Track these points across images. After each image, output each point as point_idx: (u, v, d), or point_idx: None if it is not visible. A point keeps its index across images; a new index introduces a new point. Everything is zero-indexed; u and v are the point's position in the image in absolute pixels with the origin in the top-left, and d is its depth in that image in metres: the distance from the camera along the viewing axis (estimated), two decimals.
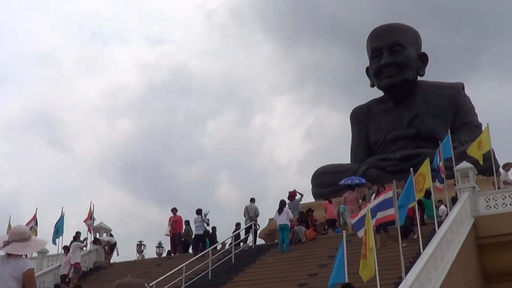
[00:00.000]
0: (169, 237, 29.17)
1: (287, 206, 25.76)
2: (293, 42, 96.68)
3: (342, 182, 29.90)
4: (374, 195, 23.83)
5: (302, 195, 28.52)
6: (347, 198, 26.55)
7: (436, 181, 23.06)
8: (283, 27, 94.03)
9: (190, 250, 27.86)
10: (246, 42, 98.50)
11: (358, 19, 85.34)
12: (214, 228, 28.88)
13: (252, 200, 28.83)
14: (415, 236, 19.47)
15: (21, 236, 6.37)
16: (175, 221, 28.90)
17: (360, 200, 26.39)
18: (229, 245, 26.61)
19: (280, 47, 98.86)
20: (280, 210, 24.80)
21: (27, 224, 27.83)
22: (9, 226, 28.34)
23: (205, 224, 27.82)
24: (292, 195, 27.77)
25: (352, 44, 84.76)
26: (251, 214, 28.06)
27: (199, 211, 28.00)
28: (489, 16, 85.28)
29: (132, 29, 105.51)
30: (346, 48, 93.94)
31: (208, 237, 27.74)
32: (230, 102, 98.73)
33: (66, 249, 26.65)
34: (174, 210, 29.29)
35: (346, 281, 13.98)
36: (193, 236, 28.14)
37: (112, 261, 28.90)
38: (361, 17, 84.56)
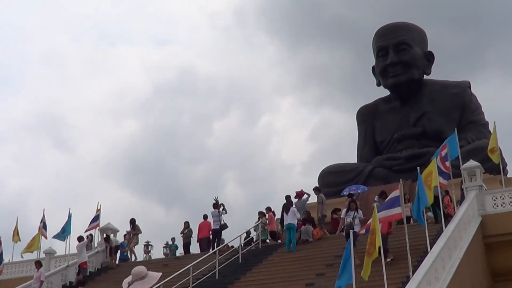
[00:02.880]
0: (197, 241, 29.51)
1: (294, 205, 25.81)
2: (297, 43, 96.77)
3: (345, 191, 29.73)
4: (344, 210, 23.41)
5: (309, 195, 28.54)
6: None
7: (440, 177, 23.03)
8: (286, 28, 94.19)
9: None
10: (250, 43, 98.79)
11: (362, 19, 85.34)
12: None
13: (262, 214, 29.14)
14: (388, 260, 18.87)
15: (139, 275, 7.78)
16: (202, 226, 29.07)
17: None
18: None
19: (284, 48, 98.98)
20: (287, 210, 24.79)
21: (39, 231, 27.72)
22: (16, 227, 28.36)
23: (223, 217, 27.89)
24: (299, 194, 27.80)
25: (356, 44, 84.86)
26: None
27: (215, 205, 28.05)
28: (495, 15, 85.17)
29: (138, 31, 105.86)
30: (349, 48, 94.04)
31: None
32: (235, 103, 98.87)
33: (38, 264, 25.41)
34: (205, 217, 29.32)
35: (353, 282, 13.97)
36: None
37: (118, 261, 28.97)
38: (364, 18, 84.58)
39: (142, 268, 7.95)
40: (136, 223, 30.00)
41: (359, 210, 21.71)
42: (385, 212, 17.76)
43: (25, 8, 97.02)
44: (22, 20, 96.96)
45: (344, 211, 22.18)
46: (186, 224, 30.80)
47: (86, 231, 28.98)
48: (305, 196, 28.02)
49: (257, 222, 27.89)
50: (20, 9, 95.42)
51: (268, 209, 28.77)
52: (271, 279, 20.62)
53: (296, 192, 28.00)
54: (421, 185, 18.81)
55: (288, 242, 24.15)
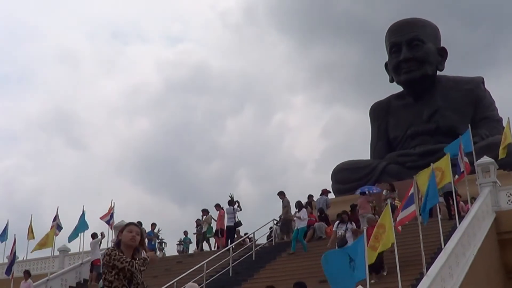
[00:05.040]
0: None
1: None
2: (308, 40, 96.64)
3: (358, 191, 29.80)
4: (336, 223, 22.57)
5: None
6: (360, 204, 25.83)
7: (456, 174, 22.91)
8: (297, 26, 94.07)
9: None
10: (262, 41, 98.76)
11: (373, 16, 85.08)
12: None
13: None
14: (385, 273, 18.44)
15: None
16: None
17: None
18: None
19: (295, 45, 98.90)
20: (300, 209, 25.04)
21: (52, 227, 27.58)
22: (30, 225, 28.41)
23: (237, 214, 27.95)
24: (325, 191, 28.93)
25: (368, 41, 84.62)
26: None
27: (230, 202, 28.02)
28: (507, 12, 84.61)
29: (151, 29, 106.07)
30: (361, 45, 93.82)
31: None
32: (248, 101, 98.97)
33: (27, 274, 24.41)
34: (217, 206, 29.00)
35: (367, 276, 13.93)
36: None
37: None
38: (376, 14, 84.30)
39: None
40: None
41: (352, 221, 21.69)
42: (402, 214, 17.62)
43: (39, 7, 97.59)
44: (36, 19, 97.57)
45: (336, 223, 21.94)
46: (198, 221, 30.90)
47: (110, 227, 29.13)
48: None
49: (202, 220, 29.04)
50: (34, 8, 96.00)
51: (218, 206, 28.71)
52: (285, 275, 20.59)
53: (322, 190, 29.27)
54: (434, 182, 18.68)
55: (304, 243, 24.00)
